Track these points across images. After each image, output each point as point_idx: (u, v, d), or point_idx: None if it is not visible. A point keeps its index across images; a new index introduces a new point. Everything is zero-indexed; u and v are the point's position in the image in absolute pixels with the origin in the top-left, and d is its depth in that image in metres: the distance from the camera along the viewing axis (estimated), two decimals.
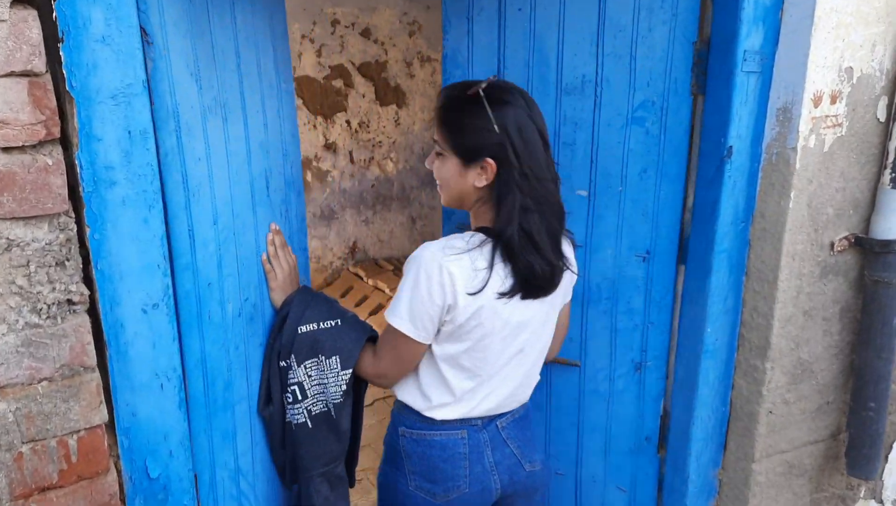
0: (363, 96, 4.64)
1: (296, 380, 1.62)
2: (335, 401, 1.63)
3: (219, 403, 1.47)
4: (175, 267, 1.30)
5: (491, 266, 1.47)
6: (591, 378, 1.99)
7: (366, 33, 4.57)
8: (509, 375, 1.61)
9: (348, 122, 4.62)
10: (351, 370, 1.61)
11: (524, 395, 1.69)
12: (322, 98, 4.49)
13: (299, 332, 1.62)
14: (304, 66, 4.40)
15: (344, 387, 1.62)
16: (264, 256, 1.67)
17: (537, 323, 1.60)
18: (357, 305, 4.55)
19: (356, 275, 4.80)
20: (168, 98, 1.24)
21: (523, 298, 1.52)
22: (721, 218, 1.72)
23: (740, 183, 1.73)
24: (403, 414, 1.64)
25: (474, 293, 1.45)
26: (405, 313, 1.49)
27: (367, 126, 4.70)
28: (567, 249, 1.61)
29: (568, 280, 1.64)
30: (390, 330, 1.54)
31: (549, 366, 1.97)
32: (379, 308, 4.41)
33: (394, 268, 4.84)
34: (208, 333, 1.41)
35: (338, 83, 4.53)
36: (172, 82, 1.25)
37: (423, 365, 1.59)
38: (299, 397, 1.63)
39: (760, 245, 1.78)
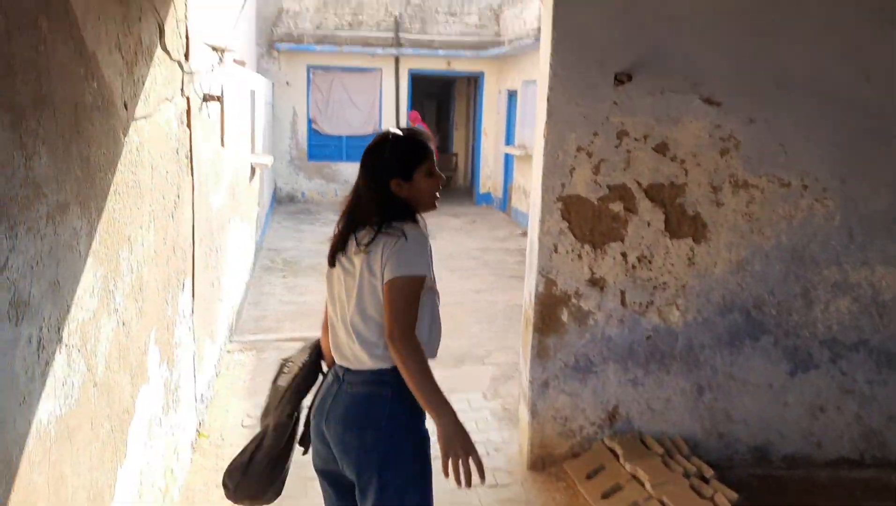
0: (648, 225, 3.69)
1: None
2: None
3: None
4: None
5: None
6: None
7: (661, 148, 3.65)
8: None
9: (624, 254, 3.69)
10: None
11: None
12: (594, 223, 3.64)
13: None
14: (575, 184, 3.62)
15: None
16: None
17: None
18: (605, 495, 3.48)
19: (611, 451, 3.74)
20: None
21: None
22: None
23: None
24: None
25: None
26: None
27: (649, 262, 3.71)
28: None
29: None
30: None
31: None
32: None
33: (664, 453, 3.67)
34: None
35: (616, 206, 3.65)
36: None
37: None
38: None
39: None
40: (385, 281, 2.03)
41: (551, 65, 3.50)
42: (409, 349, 1.99)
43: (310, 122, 13.79)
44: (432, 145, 2.23)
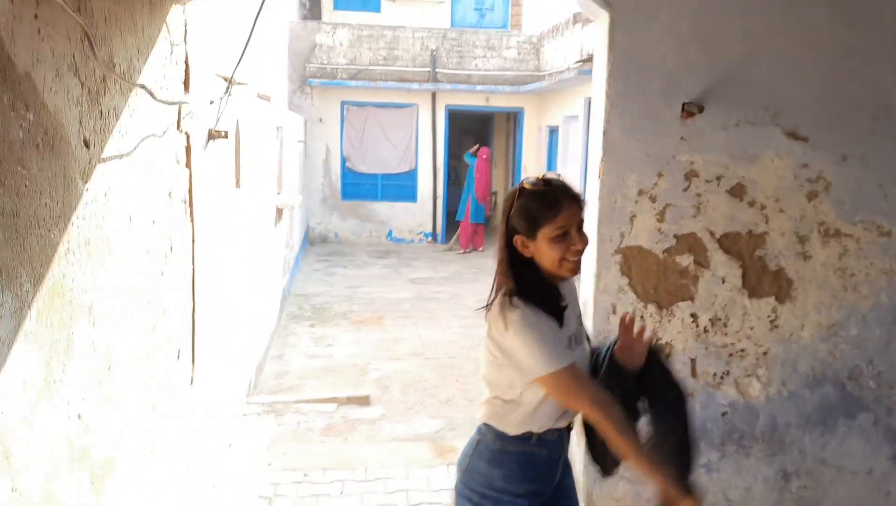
0: (722, 281, 3.11)
1: None
2: None
3: None
4: None
5: None
6: None
7: (737, 192, 3.09)
8: None
9: (694, 315, 3.11)
10: None
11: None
12: (658, 278, 3.08)
13: None
14: (636, 234, 3.07)
15: None
16: None
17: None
18: None
19: None
20: None
21: None
22: None
23: None
24: None
25: None
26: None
27: (725, 325, 3.13)
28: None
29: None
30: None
31: None
32: None
33: None
34: None
35: (685, 260, 3.09)
36: None
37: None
38: None
39: None
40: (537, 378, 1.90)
41: (607, 94, 2.97)
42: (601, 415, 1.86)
43: (343, 159, 13.41)
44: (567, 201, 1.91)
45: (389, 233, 13.66)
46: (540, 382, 1.87)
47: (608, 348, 2.07)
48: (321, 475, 4.26)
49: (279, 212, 7.52)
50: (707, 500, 3.22)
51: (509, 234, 1.94)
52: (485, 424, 2.06)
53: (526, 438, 2.00)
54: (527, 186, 1.93)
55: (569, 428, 2.09)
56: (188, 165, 3.15)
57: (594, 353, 2.12)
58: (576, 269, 1.93)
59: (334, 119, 13.28)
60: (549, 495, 2.10)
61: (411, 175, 13.57)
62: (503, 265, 1.95)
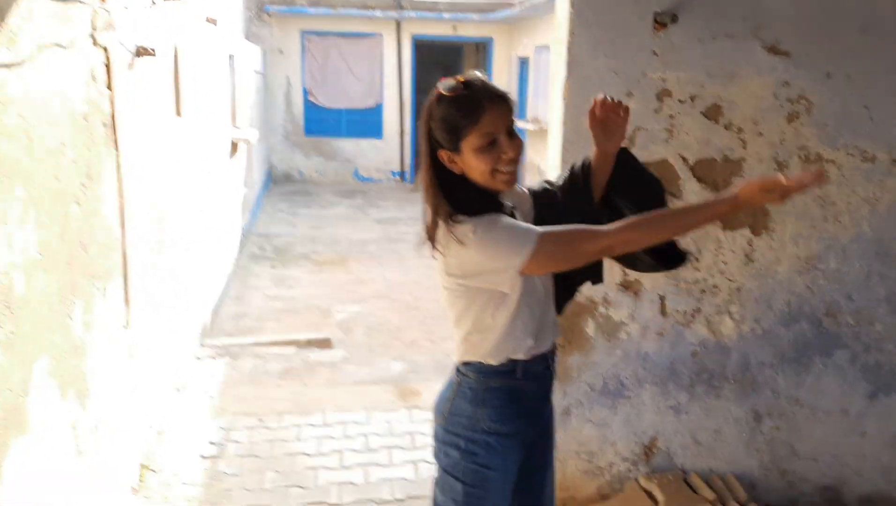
0: None
1: None
2: None
3: None
4: None
5: None
6: None
7: (713, 113, 2.84)
8: None
9: None
10: None
11: None
12: None
13: None
14: None
15: None
16: None
17: None
18: None
19: (649, 495, 2.97)
20: None
21: None
22: None
23: None
24: None
25: None
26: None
27: (697, 259, 2.92)
28: None
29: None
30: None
31: None
32: None
33: (715, 499, 2.91)
34: None
35: None
36: None
37: None
38: None
39: None
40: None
41: (572, 2, 2.68)
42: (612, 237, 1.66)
43: (306, 93, 12.91)
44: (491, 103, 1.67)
45: (355, 171, 13.28)
46: (529, 269, 1.67)
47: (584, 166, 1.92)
48: (277, 420, 4.07)
49: (234, 146, 7.15)
50: (675, 442, 3.07)
51: (433, 150, 1.71)
52: (463, 363, 1.85)
53: (510, 370, 1.81)
54: (443, 91, 1.67)
55: (553, 354, 1.91)
56: (109, 85, 2.82)
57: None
58: (511, 180, 1.70)
59: (295, 50, 12.72)
60: (537, 437, 1.94)
61: (377, 110, 13.12)
62: (432, 188, 1.71)
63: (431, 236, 1.72)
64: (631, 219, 1.67)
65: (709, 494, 2.92)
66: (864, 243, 2.98)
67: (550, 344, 1.89)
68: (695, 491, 2.96)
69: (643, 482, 3.02)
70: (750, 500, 2.97)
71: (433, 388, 1.94)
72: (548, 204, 1.92)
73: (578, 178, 1.92)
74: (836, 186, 2.94)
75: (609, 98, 1.84)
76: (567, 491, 3.07)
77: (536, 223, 1.80)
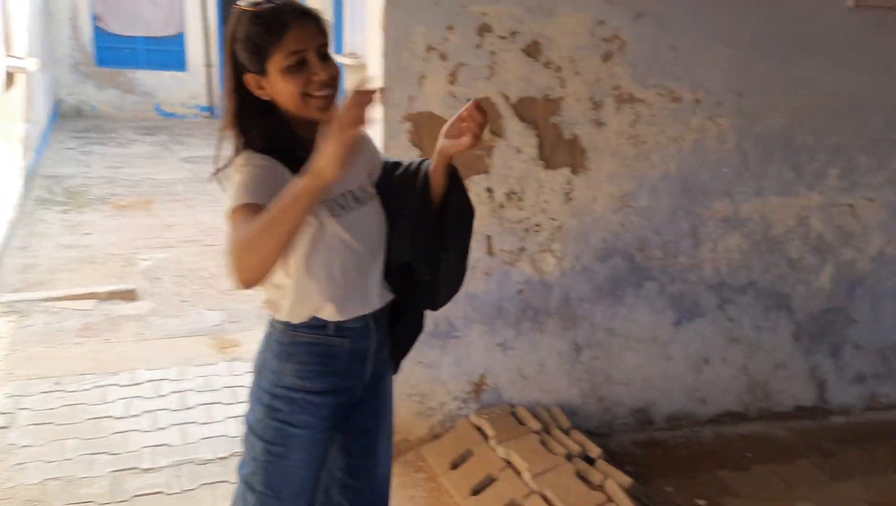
0: (518, 151, 2.88)
1: None
2: None
3: None
4: None
5: None
6: None
7: (532, 51, 2.82)
8: None
9: (490, 190, 2.88)
10: None
11: None
12: None
13: None
14: (426, 96, 2.72)
15: None
16: None
17: None
18: (475, 491, 2.77)
19: (479, 431, 3.02)
20: None
21: None
22: None
23: None
24: None
25: None
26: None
27: (520, 199, 2.93)
28: None
29: None
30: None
31: None
32: None
33: (541, 429, 3.00)
34: None
35: None
36: None
37: None
38: None
39: None
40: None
41: None
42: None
43: (94, 18, 11.66)
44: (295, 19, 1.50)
45: (157, 106, 12.27)
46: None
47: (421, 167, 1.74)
48: (77, 382, 3.70)
49: (11, 77, 6.31)
50: (503, 378, 3.13)
51: (238, 73, 1.54)
52: (272, 316, 1.68)
53: (320, 325, 1.63)
54: (244, 6, 1.52)
55: (380, 312, 1.72)
56: None
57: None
58: (325, 105, 1.52)
59: None
60: (359, 396, 1.75)
61: (178, 39, 12.13)
62: (233, 115, 1.55)
63: (219, 170, 1.55)
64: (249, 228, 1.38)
65: (535, 424, 3.02)
66: (671, 181, 3.13)
67: (368, 308, 1.70)
68: (522, 423, 3.04)
69: (473, 419, 3.06)
70: (572, 427, 3.10)
71: (256, 337, 1.75)
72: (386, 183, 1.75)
73: (415, 178, 1.73)
74: (647, 126, 3.04)
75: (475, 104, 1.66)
76: (400, 434, 3.04)
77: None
